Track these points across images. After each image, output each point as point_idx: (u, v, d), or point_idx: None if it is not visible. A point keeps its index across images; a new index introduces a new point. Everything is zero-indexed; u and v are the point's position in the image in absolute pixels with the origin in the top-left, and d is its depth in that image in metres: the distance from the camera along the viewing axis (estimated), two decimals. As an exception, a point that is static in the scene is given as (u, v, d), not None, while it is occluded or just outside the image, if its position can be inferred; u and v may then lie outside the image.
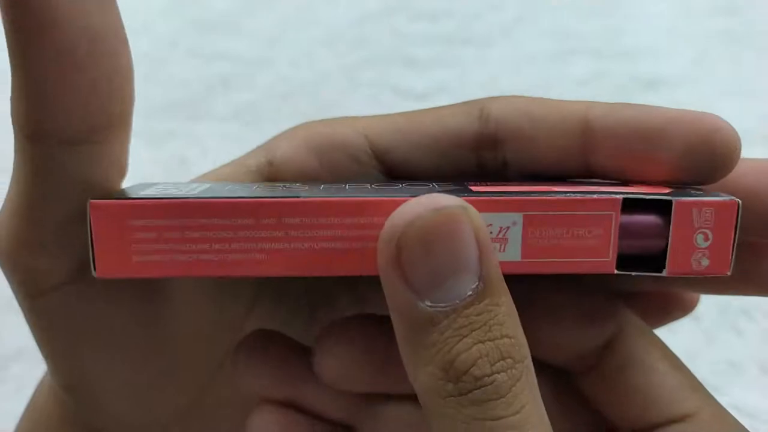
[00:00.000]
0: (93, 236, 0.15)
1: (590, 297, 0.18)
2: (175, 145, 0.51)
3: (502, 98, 0.18)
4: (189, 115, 0.53)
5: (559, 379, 0.19)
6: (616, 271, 0.15)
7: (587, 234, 0.15)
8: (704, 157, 0.16)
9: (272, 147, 0.19)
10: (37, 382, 0.22)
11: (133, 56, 0.16)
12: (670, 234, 0.15)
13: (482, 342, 0.14)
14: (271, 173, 0.19)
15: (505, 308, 0.14)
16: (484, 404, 0.13)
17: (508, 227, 0.15)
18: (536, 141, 0.17)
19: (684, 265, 0.15)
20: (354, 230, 0.15)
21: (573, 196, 0.15)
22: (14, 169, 0.16)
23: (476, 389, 0.14)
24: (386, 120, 0.19)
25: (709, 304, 0.42)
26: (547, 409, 0.14)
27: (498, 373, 0.14)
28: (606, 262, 0.15)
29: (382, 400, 0.19)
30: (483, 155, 0.18)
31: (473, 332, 0.14)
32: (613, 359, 0.18)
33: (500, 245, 0.15)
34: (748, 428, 0.17)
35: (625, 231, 0.15)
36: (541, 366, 0.18)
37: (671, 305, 0.22)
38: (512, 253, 0.15)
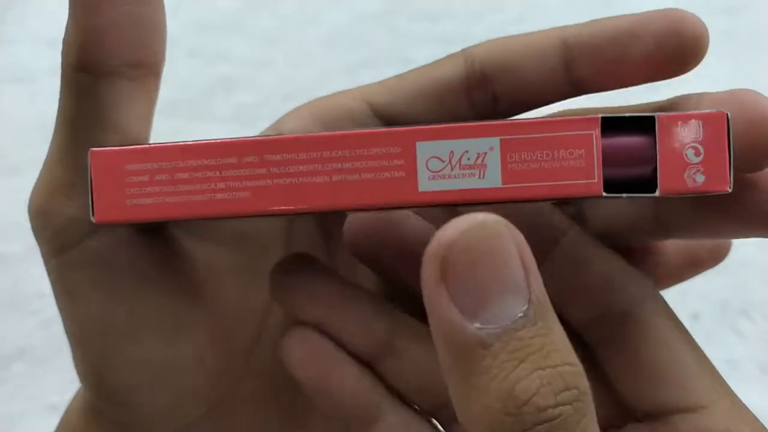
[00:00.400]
0: (92, 182, 0.16)
1: (619, 261, 0.19)
2: (176, 145, 0.51)
3: (482, 42, 0.19)
4: (190, 116, 0.53)
5: (584, 359, 0.19)
6: (604, 194, 0.15)
7: (569, 156, 0.15)
8: (674, 47, 0.17)
9: (279, 124, 0.20)
10: (68, 403, 0.22)
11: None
12: (657, 150, 0.15)
13: (542, 368, 0.12)
14: None
15: (558, 333, 0.13)
16: None
17: (485, 153, 0.15)
18: (519, 69, 0.18)
19: (677, 182, 0.15)
20: (332, 163, 0.15)
21: (549, 119, 0.15)
22: (58, 112, 0.17)
23: (539, 424, 0.12)
24: (380, 85, 0.20)
25: (709, 303, 0.42)
26: None
27: (563, 405, 0.12)
28: (593, 185, 0.15)
29: (406, 343, 0.20)
30: (474, 95, 0.19)
31: (530, 356, 0.12)
32: (631, 329, 0.18)
33: (479, 171, 0.15)
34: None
35: (610, 154, 0.15)
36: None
37: (701, 254, 0.22)
38: (492, 179, 0.15)
